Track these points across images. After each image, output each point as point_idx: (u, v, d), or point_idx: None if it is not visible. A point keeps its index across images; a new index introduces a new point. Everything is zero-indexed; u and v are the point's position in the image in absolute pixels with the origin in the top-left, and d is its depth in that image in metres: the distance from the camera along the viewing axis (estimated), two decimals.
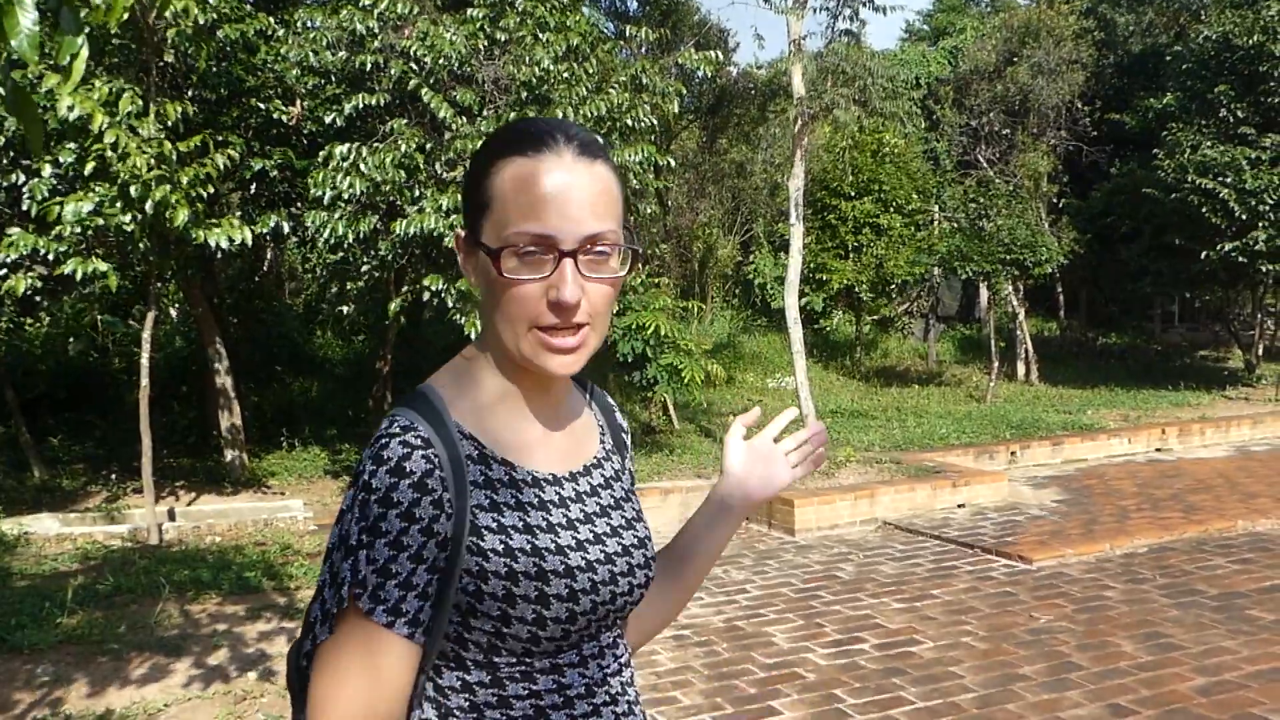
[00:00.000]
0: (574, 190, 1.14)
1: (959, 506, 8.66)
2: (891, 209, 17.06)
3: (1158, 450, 11.58)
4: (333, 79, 8.63)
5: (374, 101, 8.10)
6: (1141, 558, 7.07)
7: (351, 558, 1.10)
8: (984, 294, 19.28)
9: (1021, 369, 17.25)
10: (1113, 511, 8.37)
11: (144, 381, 7.43)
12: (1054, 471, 10.41)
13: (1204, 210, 14.60)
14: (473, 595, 1.13)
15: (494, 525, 1.15)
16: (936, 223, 18.35)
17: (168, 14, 7.26)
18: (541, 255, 1.13)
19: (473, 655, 1.16)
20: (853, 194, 17.07)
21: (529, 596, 1.13)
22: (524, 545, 1.15)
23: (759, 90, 17.75)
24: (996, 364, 15.38)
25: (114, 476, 9.30)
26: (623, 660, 1.29)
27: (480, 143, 1.24)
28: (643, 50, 10.15)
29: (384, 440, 1.13)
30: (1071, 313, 21.51)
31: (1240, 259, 14.60)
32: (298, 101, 9.11)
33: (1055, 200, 18.77)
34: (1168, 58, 18.46)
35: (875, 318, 18.63)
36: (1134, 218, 16.82)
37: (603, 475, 1.31)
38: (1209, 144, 15.12)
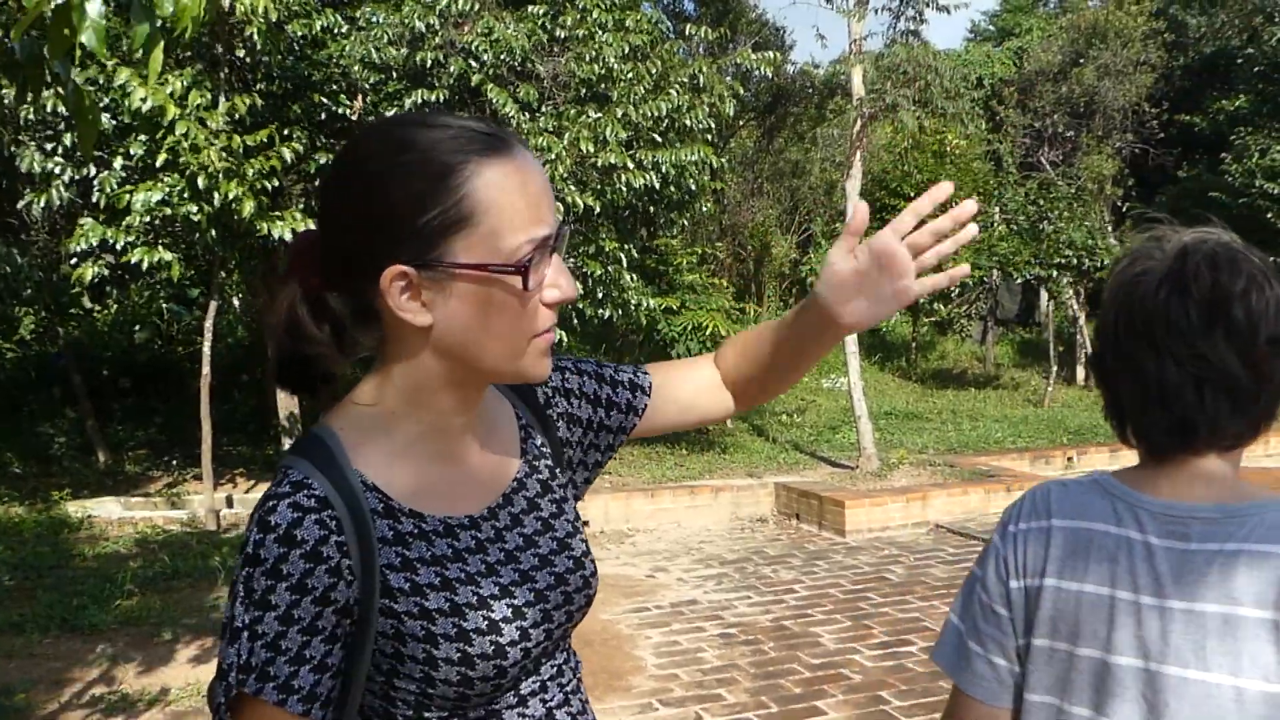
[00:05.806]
0: (545, 185, 1.06)
1: None
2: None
3: None
4: (394, 75, 8.75)
5: (434, 97, 8.21)
6: None
7: (239, 638, 0.99)
8: (1044, 298, 18.99)
9: (1081, 373, 16.96)
10: None
11: (205, 370, 7.60)
12: None
13: (1270, 216, 14.26)
14: (393, 657, 1.04)
15: (407, 586, 1.04)
16: (996, 224, 18.11)
17: (240, 10, 7.42)
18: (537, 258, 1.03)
19: (401, 711, 1.06)
20: (912, 194, 16.87)
21: (451, 659, 1.03)
22: (442, 605, 1.05)
23: (817, 89, 17.63)
24: (1055, 368, 15.15)
25: (175, 462, 9.50)
26: (569, 688, 1.18)
27: (388, 159, 1.00)
28: (701, 49, 10.14)
29: (272, 503, 1.00)
30: None
31: None
32: (360, 97, 9.24)
33: (1120, 204, 18.43)
34: (1239, 60, 18.04)
35: (932, 319, 18.40)
36: (1200, 223, 16.44)
37: (526, 497, 1.19)
38: (1279, 148, 14.76)
